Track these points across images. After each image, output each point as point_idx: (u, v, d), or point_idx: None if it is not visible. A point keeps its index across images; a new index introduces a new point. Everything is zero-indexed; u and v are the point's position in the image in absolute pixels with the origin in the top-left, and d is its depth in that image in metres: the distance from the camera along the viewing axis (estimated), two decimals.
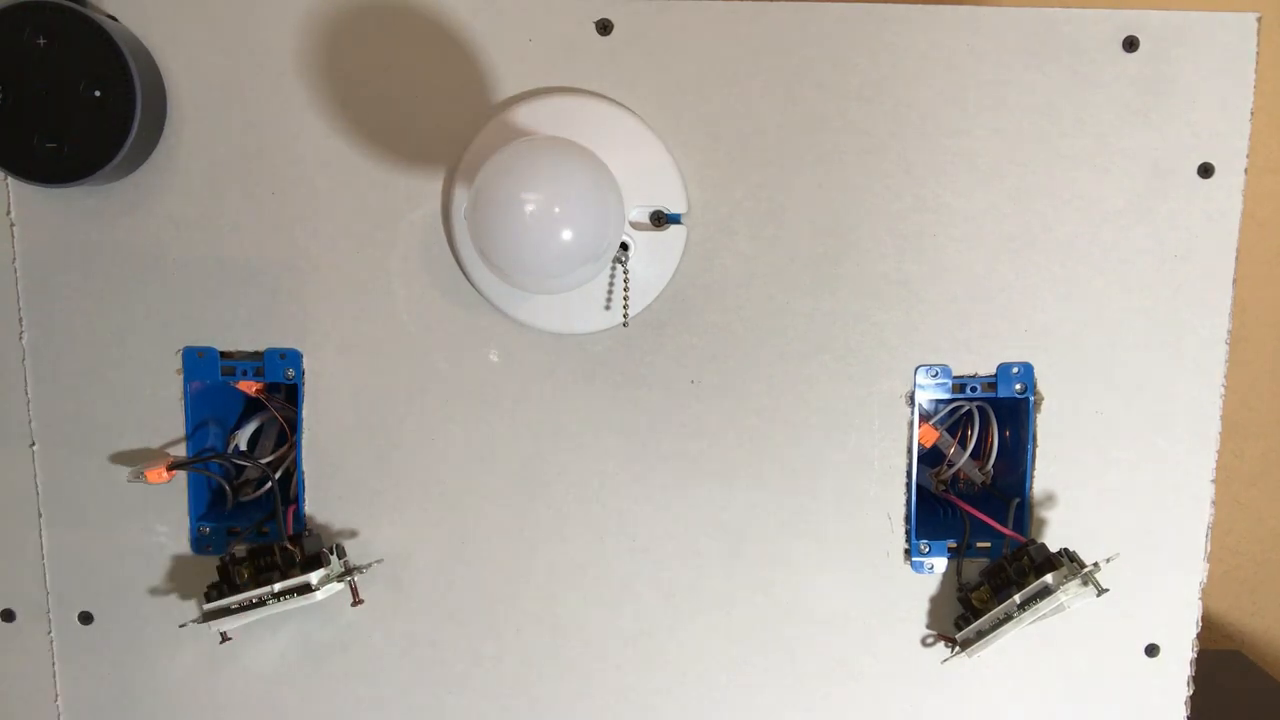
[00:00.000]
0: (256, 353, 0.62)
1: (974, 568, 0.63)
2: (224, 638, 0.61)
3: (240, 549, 0.61)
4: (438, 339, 0.62)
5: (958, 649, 0.62)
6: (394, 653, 0.64)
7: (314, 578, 0.59)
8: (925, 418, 0.66)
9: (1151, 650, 0.64)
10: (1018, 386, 0.62)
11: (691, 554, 0.63)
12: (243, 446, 0.67)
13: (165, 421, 0.62)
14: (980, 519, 0.64)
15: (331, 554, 0.61)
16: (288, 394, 0.66)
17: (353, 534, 0.63)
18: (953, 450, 0.68)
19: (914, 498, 0.63)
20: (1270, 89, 0.95)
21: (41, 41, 0.54)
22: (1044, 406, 0.62)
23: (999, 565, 0.62)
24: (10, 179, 0.59)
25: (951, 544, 0.63)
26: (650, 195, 0.59)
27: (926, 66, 0.59)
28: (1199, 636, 0.64)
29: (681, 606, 0.64)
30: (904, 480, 0.63)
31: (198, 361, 0.62)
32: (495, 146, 0.53)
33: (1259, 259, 0.99)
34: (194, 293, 0.61)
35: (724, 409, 0.62)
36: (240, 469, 0.67)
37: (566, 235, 0.49)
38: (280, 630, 0.64)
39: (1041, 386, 0.62)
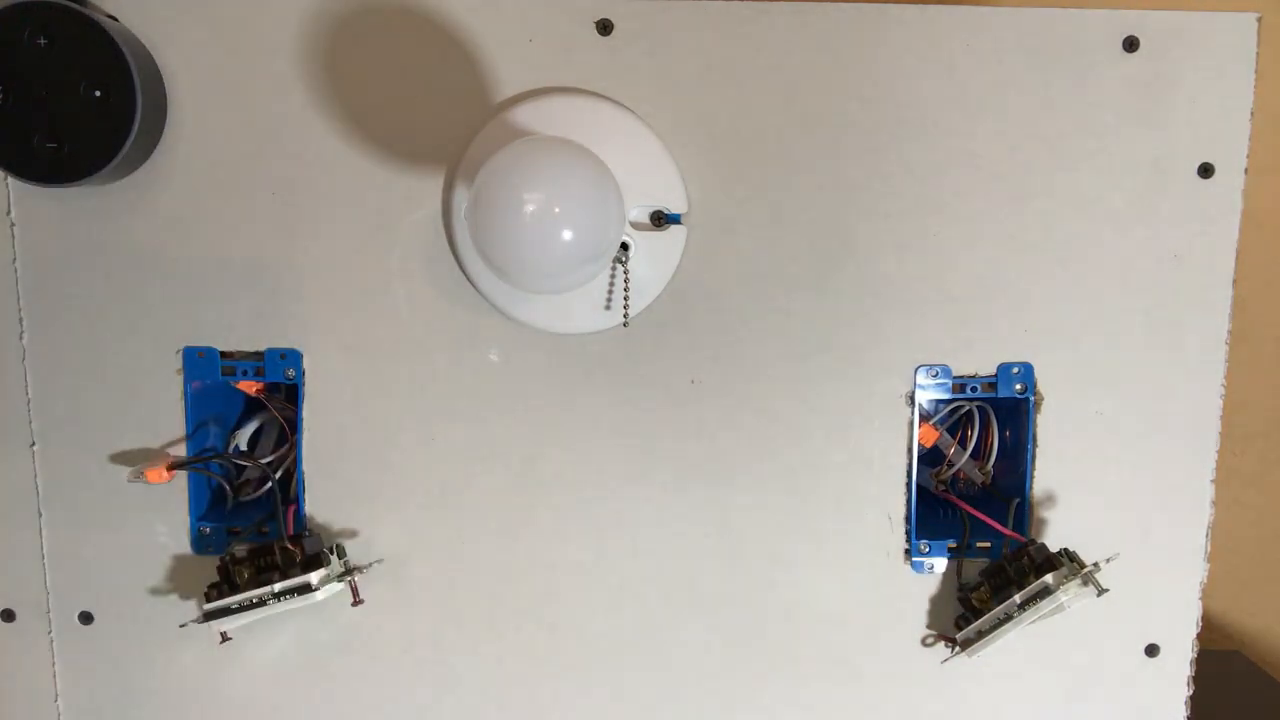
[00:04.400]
0: (256, 353, 0.62)
1: (974, 568, 0.63)
2: (224, 638, 0.61)
3: (240, 549, 0.61)
4: (438, 339, 0.62)
5: (958, 649, 0.62)
6: (394, 653, 0.64)
7: (314, 578, 0.59)
8: (925, 418, 0.66)
9: (1151, 650, 0.64)
10: (1018, 386, 0.62)
11: (691, 554, 0.63)
12: (243, 446, 0.67)
13: (165, 421, 0.62)
14: (980, 519, 0.64)
15: (331, 554, 0.61)
16: (288, 394, 0.66)
17: (353, 534, 0.63)
18: (953, 450, 0.68)
19: (914, 498, 0.63)
20: (1270, 89, 0.95)
21: (41, 41, 0.54)
22: (1044, 406, 0.62)
23: (999, 565, 0.62)
24: (10, 179, 0.59)
25: (951, 544, 0.63)
26: (650, 195, 0.59)
27: (926, 66, 0.59)
28: (1199, 636, 0.64)
29: (681, 606, 0.64)
30: (904, 480, 0.63)
31: (198, 361, 0.62)
32: (495, 146, 0.53)
33: (1259, 259, 0.99)
34: (194, 293, 0.61)
35: (724, 409, 0.62)
36: (240, 469, 0.67)
37: (566, 235, 0.49)
38: (281, 630, 0.64)
39: (1041, 386, 0.62)
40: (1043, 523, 0.63)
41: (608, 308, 0.59)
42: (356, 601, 0.62)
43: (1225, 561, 1.08)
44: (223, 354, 0.62)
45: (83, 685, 0.65)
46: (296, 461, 0.63)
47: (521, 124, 0.58)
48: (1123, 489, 0.63)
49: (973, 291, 0.61)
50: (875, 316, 0.61)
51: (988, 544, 0.64)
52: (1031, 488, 0.63)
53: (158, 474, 0.61)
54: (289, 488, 0.64)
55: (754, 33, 0.59)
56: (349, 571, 0.61)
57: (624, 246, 0.58)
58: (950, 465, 0.68)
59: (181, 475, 0.62)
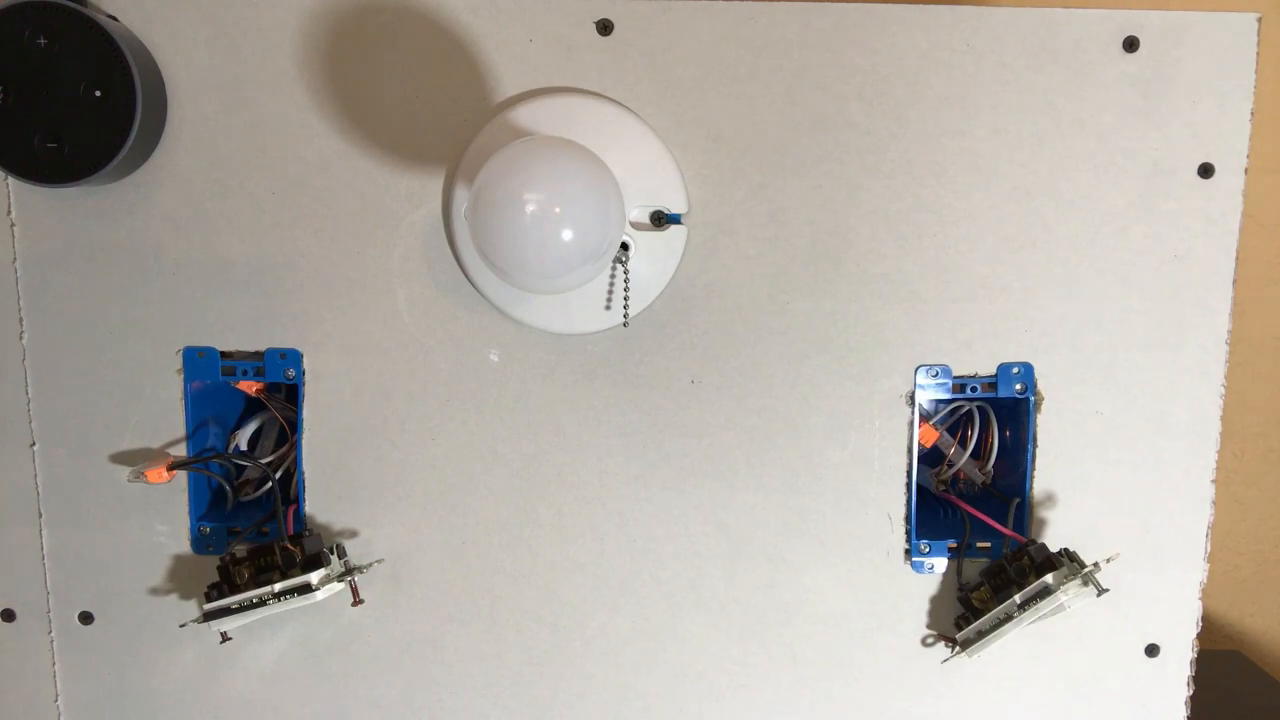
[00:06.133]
0: (256, 353, 0.62)
1: (974, 568, 0.63)
2: (224, 638, 0.61)
3: (240, 549, 0.61)
4: (438, 339, 0.62)
5: (958, 649, 0.62)
6: (394, 653, 0.65)
7: (314, 578, 0.59)
8: (925, 418, 0.66)
9: (1151, 650, 0.64)
10: (1018, 386, 0.62)
11: (691, 554, 0.63)
12: (243, 446, 0.67)
13: (165, 421, 0.62)
14: (980, 519, 0.64)
15: (332, 554, 0.61)
16: (288, 394, 0.66)
17: (353, 534, 0.63)
18: (953, 450, 0.68)
19: (914, 498, 0.63)
20: (1270, 89, 0.95)
21: (42, 41, 0.54)
22: (1044, 406, 0.62)
23: (999, 565, 0.62)
24: (10, 179, 0.59)
25: (951, 544, 0.63)
26: (650, 195, 0.59)
27: (926, 66, 0.59)
28: (1199, 636, 0.64)
29: (681, 606, 0.64)
30: (904, 480, 0.63)
31: (198, 361, 0.62)
32: (495, 146, 0.53)
33: (1259, 259, 0.99)
34: (194, 293, 0.61)
35: (724, 409, 0.62)
36: (240, 469, 0.67)
37: (567, 235, 0.49)
38: (280, 630, 0.64)
39: (1041, 386, 0.62)
40: (1043, 523, 0.63)
41: (608, 308, 0.59)
42: (356, 601, 0.62)
43: (1225, 561, 1.08)
44: (223, 354, 0.62)
45: (83, 685, 0.65)
46: (296, 461, 0.63)
47: (521, 124, 0.58)
48: (1123, 489, 0.63)
49: (973, 291, 0.61)
50: (875, 316, 0.61)
51: (988, 544, 0.64)
52: (1031, 488, 0.63)
53: (158, 474, 0.61)
54: (289, 488, 0.64)
55: (754, 33, 0.59)
56: (349, 571, 0.62)
57: (624, 246, 0.58)
58: (950, 465, 0.68)
59: (181, 475, 0.62)
